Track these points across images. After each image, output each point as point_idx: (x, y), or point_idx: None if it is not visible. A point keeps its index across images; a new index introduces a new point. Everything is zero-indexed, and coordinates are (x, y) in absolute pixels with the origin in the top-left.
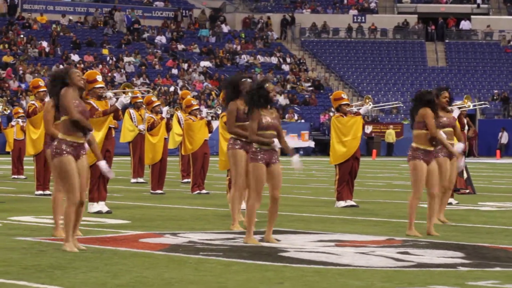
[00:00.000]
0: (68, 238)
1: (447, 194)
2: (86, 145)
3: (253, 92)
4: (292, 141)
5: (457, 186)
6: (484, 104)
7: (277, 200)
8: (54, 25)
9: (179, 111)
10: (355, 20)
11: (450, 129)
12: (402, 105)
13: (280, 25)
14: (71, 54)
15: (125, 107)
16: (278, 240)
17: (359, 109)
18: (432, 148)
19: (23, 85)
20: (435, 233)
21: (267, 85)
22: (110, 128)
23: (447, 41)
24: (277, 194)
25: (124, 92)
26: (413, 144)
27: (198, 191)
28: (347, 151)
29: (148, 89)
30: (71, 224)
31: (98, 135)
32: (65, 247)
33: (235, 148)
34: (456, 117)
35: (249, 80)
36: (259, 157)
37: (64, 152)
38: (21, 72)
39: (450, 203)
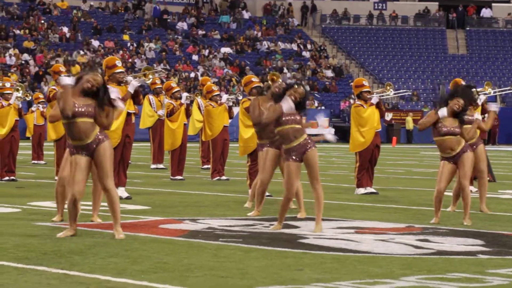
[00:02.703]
0: (70, 225)
1: (483, 183)
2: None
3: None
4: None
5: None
6: (510, 89)
7: (317, 189)
8: (74, 11)
9: (199, 97)
10: (376, 7)
11: (471, 126)
12: (409, 93)
13: (301, 10)
14: (92, 40)
15: (144, 93)
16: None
17: (372, 98)
18: (450, 154)
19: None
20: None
21: (295, 87)
22: (130, 114)
23: (468, 28)
24: (316, 183)
25: (144, 75)
26: None
27: (218, 177)
28: (365, 141)
29: (162, 70)
30: (69, 215)
31: (116, 122)
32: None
33: (269, 147)
34: (480, 104)
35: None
36: (289, 157)
37: (74, 152)
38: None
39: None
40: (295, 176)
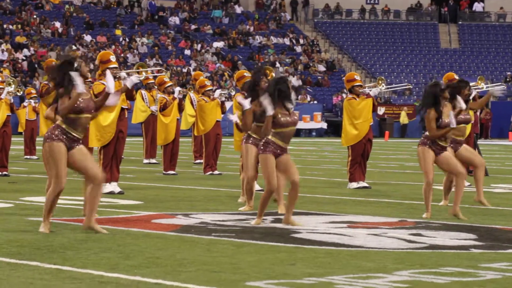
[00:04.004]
0: (44, 220)
1: (481, 175)
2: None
3: (273, 87)
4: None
5: (470, 168)
6: (501, 85)
7: (297, 184)
8: (67, 6)
9: (191, 91)
10: (368, 2)
11: (464, 125)
12: (411, 87)
13: (290, 4)
14: (84, 35)
15: (137, 88)
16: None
17: (371, 90)
18: (444, 144)
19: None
20: (462, 216)
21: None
22: (122, 109)
23: (460, 22)
24: (297, 178)
25: (138, 72)
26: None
27: (211, 172)
28: (359, 133)
29: (161, 68)
30: (49, 207)
31: (110, 116)
32: (40, 228)
33: (248, 143)
34: (471, 99)
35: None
36: (267, 149)
37: (56, 138)
38: (33, 52)
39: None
40: (274, 168)
